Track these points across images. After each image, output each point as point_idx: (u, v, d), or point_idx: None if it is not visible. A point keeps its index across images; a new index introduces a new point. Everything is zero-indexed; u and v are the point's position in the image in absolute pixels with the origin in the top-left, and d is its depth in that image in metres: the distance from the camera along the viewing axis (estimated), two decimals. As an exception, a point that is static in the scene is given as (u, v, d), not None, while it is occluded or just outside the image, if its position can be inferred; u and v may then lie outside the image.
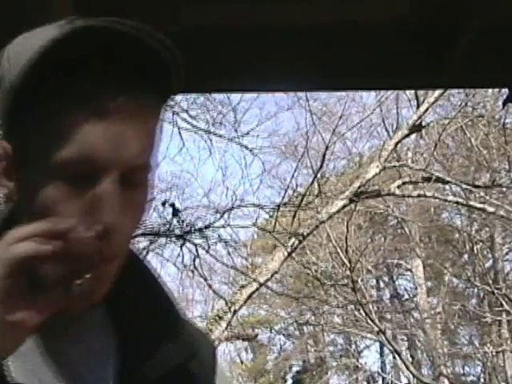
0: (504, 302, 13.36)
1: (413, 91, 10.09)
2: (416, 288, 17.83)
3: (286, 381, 20.72)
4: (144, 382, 0.98)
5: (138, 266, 1.05)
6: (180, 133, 10.51)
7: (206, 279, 11.04)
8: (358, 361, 18.76)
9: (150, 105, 0.90)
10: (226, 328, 10.23)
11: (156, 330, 1.01)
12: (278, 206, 10.14)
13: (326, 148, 10.79)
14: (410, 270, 18.17)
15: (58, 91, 0.88)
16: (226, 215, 9.74)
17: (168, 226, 8.75)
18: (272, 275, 10.22)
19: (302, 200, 9.99)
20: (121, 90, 0.88)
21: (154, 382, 0.98)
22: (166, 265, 11.30)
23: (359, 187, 10.20)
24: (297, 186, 11.56)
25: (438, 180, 10.97)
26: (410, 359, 16.72)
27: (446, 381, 16.01)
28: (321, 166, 10.79)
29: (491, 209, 11.46)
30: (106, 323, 1.01)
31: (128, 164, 0.89)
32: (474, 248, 15.07)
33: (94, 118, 0.88)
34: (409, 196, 11.88)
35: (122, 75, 0.89)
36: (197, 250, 9.63)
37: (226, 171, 17.17)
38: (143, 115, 0.90)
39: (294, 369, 20.87)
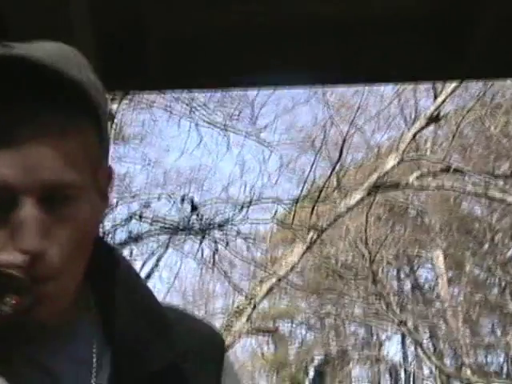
0: (525, 292, 13.30)
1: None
2: (437, 278, 17.79)
3: (308, 373, 20.74)
4: None
5: (121, 269, 1.06)
6: (198, 128, 10.55)
7: (225, 274, 11.07)
8: (379, 352, 18.74)
9: (64, 124, 0.92)
10: (247, 321, 10.24)
11: (144, 331, 1.02)
12: (297, 200, 10.14)
13: (344, 141, 10.77)
14: (431, 261, 18.12)
15: None
16: (244, 210, 9.76)
17: (187, 221, 8.78)
18: (291, 269, 10.23)
19: (320, 194, 9.98)
20: (30, 115, 0.90)
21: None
22: (186, 259, 11.33)
23: (377, 179, 10.18)
24: (315, 179, 11.54)
25: (457, 170, 10.93)
26: (432, 350, 16.69)
27: (468, 370, 15.97)
28: (339, 159, 10.77)
29: (511, 198, 11.41)
30: (96, 330, 1.01)
31: (44, 185, 0.90)
32: (495, 237, 14.99)
33: (4, 146, 0.89)
34: (427, 188, 11.84)
35: (32, 100, 0.91)
36: (216, 246, 9.66)
37: (244, 166, 17.14)
38: (57, 136, 0.91)
39: (316, 361, 20.88)
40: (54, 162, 0.90)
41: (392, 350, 34.64)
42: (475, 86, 11.33)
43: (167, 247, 10.15)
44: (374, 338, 19.58)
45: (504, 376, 17.68)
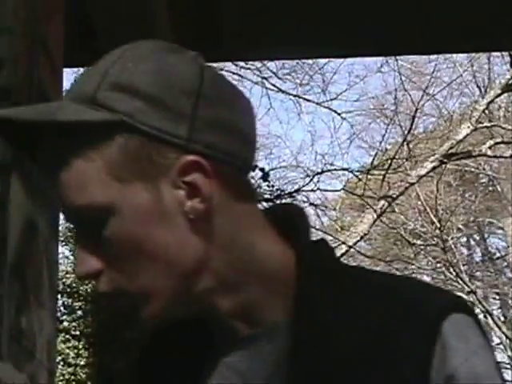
0: None
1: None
2: (508, 247, 17.52)
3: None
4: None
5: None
6: (268, 93, 10.58)
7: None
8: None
9: (62, 157, 0.97)
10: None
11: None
12: (368, 170, 10.07)
13: (416, 109, 10.64)
14: (502, 229, 17.86)
15: None
16: (315, 178, 9.76)
17: (258, 189, 8.83)
18: (361, 238, 10.21)
19: (390, 164, 9.90)
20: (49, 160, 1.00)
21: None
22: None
23: (449, 148, 10.06)
24: (386, 148, 11.44)
25: (532, 139, 10.73)
26: (503, 319, 16.51)
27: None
28: (410, 128, 10.66)
29: None
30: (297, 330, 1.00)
31: (68, 214, 1.00)
32: None
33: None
34: (501, 157, 11.64)
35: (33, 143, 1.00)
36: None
37: (315, 134, 17.12)
38: (62, 169, 0.97)
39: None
40: (65, 192, 0.97)
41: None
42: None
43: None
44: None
45: None
